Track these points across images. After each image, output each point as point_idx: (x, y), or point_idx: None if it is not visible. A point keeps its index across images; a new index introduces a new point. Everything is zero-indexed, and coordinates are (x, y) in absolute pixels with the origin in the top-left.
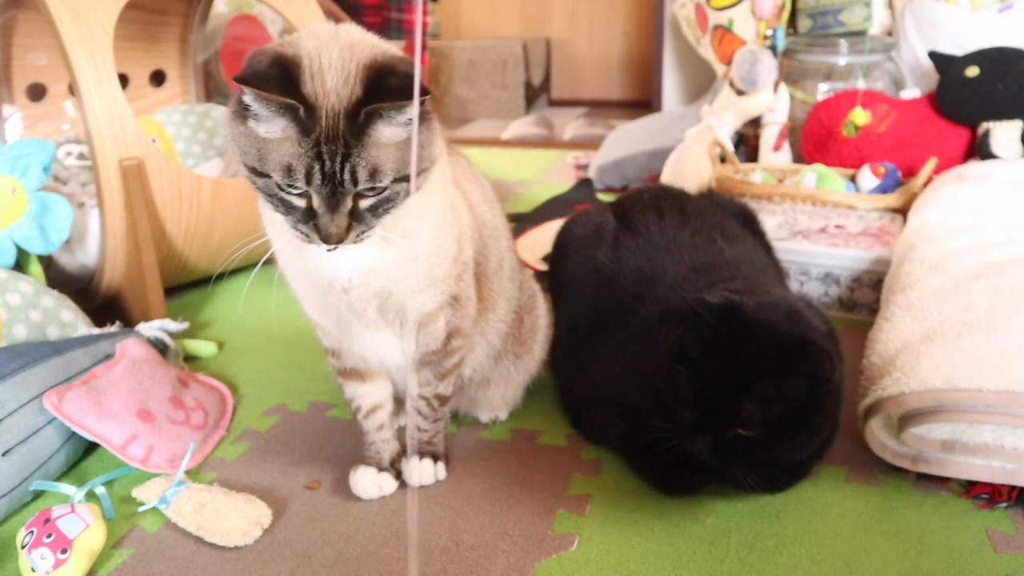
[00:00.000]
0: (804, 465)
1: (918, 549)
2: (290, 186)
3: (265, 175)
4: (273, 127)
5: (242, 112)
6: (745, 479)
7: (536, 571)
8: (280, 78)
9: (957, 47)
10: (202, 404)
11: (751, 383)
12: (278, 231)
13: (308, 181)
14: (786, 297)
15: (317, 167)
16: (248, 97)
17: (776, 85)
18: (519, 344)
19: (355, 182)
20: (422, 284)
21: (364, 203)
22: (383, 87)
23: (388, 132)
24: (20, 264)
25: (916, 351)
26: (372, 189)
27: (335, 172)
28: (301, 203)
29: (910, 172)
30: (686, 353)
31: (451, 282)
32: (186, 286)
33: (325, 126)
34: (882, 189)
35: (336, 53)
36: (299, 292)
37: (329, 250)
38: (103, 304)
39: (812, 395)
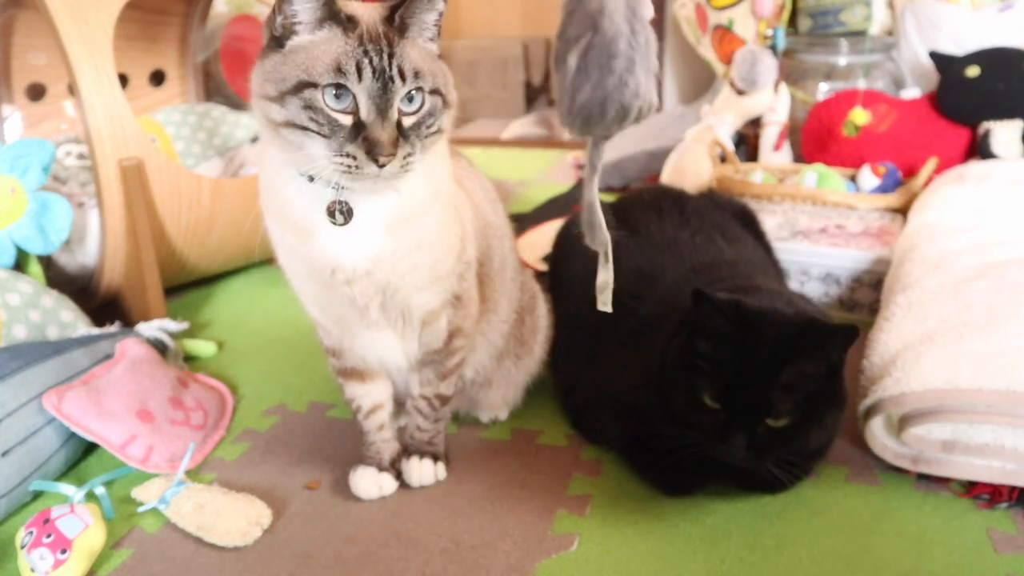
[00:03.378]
0: (807, 463)
1: (918, 549)
2: (339, 92)
3: (312, 85)
4: (317, 33)
5: (275, 45)
6: (771, 473)
7: (536, 571)
8: None
9: (957, 47)
10: (202, 404)
11: (775, 371)
12: (280, 221)
13: (359, 77)
14: (780, 290)
15: (366, 62)
16: None
17: (776, 85)
18: (520, 345)
19: (403, 78)
20: (426, 280)
21: (408, 120)
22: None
23: (420, 43)
24: (20, 264)
25: (916, 351)
26: (413, 101)
27: (384, 68)
28: (347, 119)
29: (910, 172)
30: (699, 354)
31: (454, 280)
32: (186, 286)
33: (366, 29)
34: (882, 189)
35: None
36: (300, 288)
37: (341, 224)
38: (103, 304)
39: (833, 371)
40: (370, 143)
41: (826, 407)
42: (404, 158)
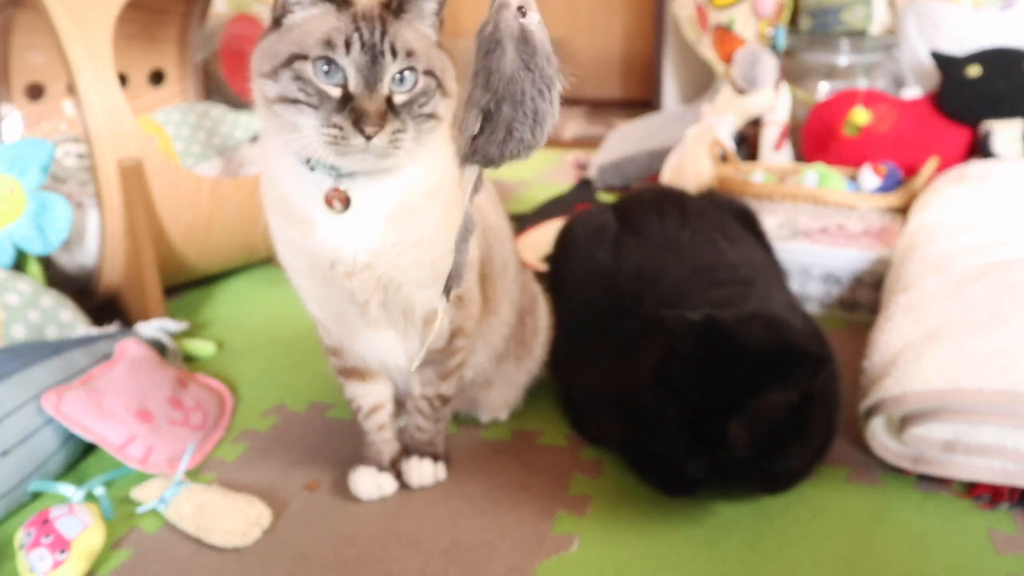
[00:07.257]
0: (805, 466)
1: (919, 550)
2: (328, 66)
3: (302, 56)
4: (313, 10)
5: (274, 25)
6: (744, 489)
7: (536, 572)
8: None
9: (959, 46)
10: (201, 404)
11: (735, 404)
12: (281, 213)
13: (347, 50)
14: (765, 306)
15: (356, 37)
16: None
17: (777, 84)
18: (521, 346)
19: (394, 54)
20: (427, 278)
21: (399, 98)
22: None
23: (418, 26)
24: (19, 264)
25: (917, 351)
26: (405, 81)
27: (375, 43)
28: (336, 91)
29: (911, 172)
30: (669, 378)
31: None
32: (186, 286)
33: (361, 9)
34: (883, 189)
35: None
36: (300, 285)
37: (339, 211)
38: (102, 304)
39: (799, 405)
40: (357, 113)
41: (792, 439)
42: (393, 133)
